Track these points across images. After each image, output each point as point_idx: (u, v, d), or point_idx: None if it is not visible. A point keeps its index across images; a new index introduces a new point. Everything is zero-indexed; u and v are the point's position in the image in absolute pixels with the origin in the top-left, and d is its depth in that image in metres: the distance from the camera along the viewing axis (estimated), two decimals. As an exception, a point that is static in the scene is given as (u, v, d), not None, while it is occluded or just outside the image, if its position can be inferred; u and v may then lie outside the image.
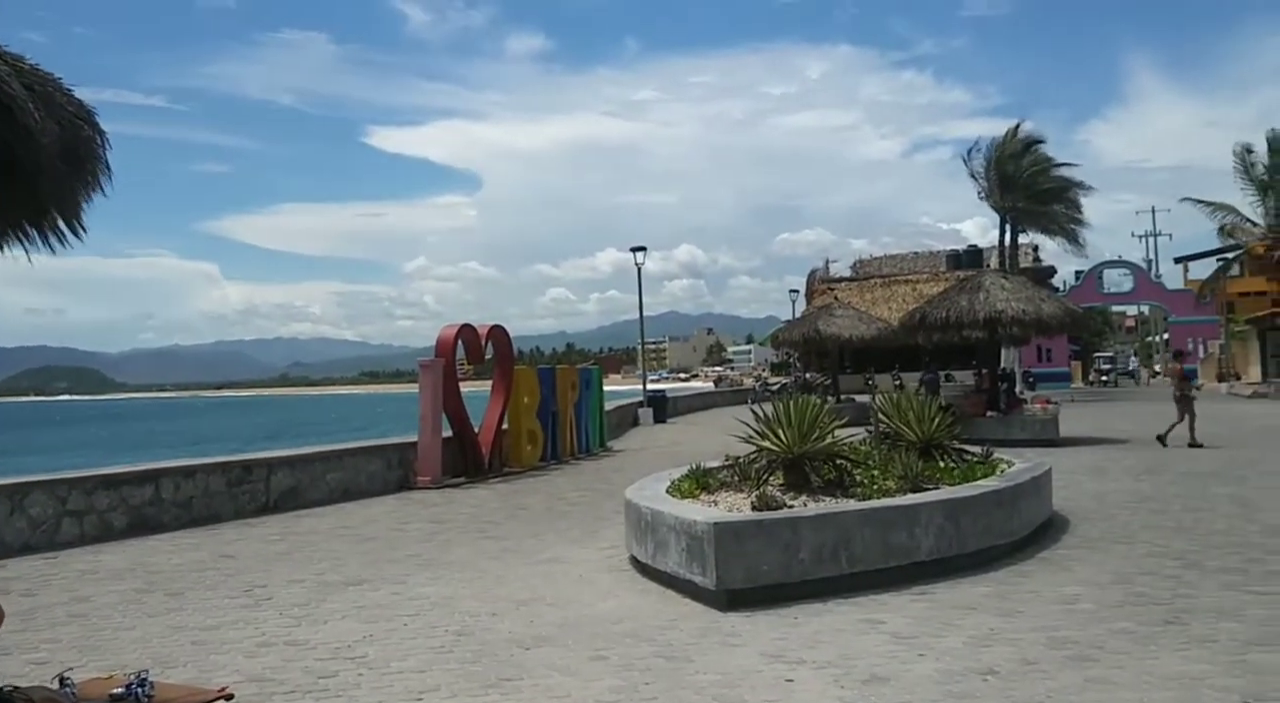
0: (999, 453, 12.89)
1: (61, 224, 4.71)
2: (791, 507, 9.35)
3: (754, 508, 9.25)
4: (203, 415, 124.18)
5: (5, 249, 4.78)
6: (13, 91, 3.80)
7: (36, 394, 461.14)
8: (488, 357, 21.70)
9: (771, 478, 10.56)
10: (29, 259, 4.84)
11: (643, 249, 40.80)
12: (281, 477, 15.79)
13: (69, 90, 4.41)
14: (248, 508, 15.00)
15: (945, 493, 9.97)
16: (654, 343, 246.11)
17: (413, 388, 20.81)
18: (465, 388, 20.23)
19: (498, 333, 21.63)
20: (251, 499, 15.16)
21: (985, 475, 11.26)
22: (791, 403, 10.96)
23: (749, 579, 8.41)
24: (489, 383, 21.89)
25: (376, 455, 18.00)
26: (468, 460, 19.51)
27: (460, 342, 20.27)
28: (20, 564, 11.29)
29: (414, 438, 18.83)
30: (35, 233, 4.70)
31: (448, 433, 19.16)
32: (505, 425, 20.91)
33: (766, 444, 10.76)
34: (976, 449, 12.97)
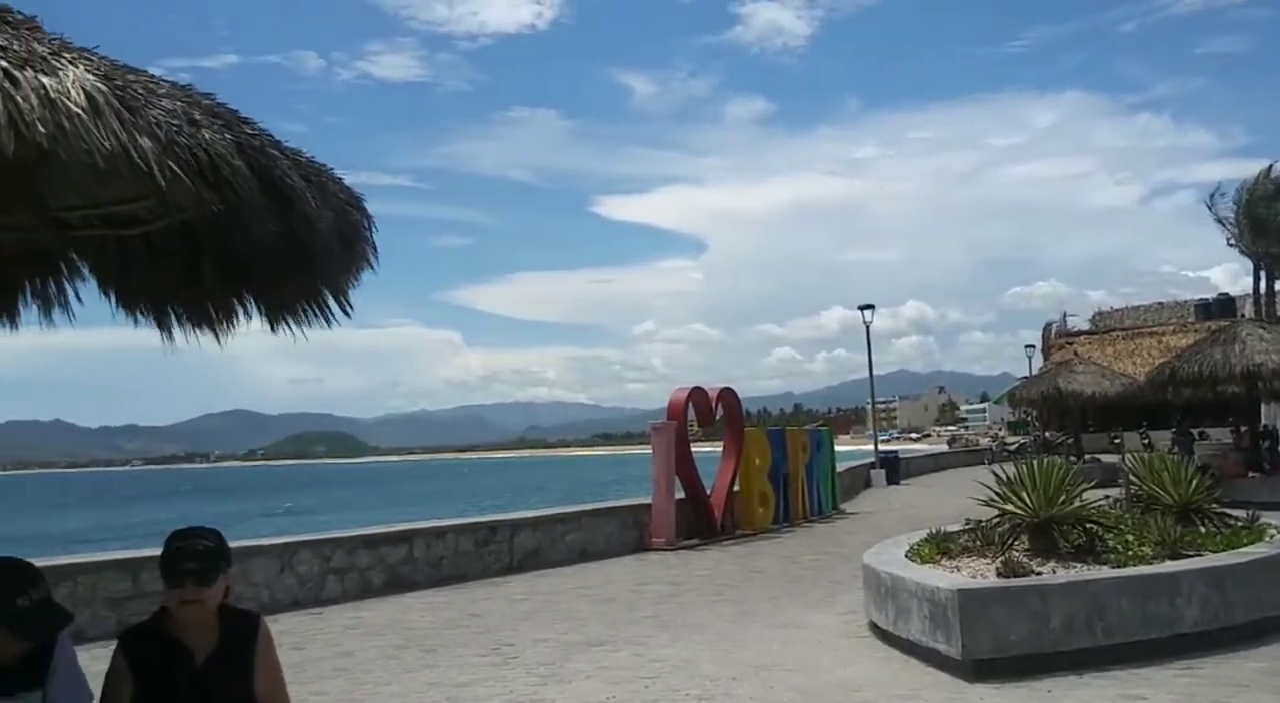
0: (1265, 517, 11.94)
1: (332, 303, 5.05)
2: (1039, 573, 8.92)
3: (999, 574, 8.87)
4: (452, 478, 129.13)
5: (283, 327, 5.15)
6: (294, 184, 4.08)
7: (299, 458, 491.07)
8: (717, 418, 21.76)
9: (1016, 543, 10.12)
10: (304, 336, 5.20)
11: (870, 307, 40.23)
12: (524, 537, 16.23)
13: (339, 179, 4.73)
14: (493, 567, 15.46)
15: (1209, 560, 9.30)
16: (884, 402, 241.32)
17: (645, 449, 21.05)
18: (695, 449, 20.32)
19: (727, 395, 21.66)
20: (497, 559, 15.62)
21: (1252, 542, 10.44)
22: (1034, 463, 10.50)
23: (997, 649, 8.04)
24: (719, 444, 21.92)
25: (613, 517, 18.26)
26: (700, 522, 19.53)
27: (691, 404, 20.40)
28: (290, 619, 11.96)
29: (648, 499, 19.00)
30: (310, 311, 5.04)
31: (680, 495, 19.25)
32: (737, 487, 20.83)
33: (1010, 507, 10.32)
34: (1240, 513, 12.05)
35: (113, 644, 3.65)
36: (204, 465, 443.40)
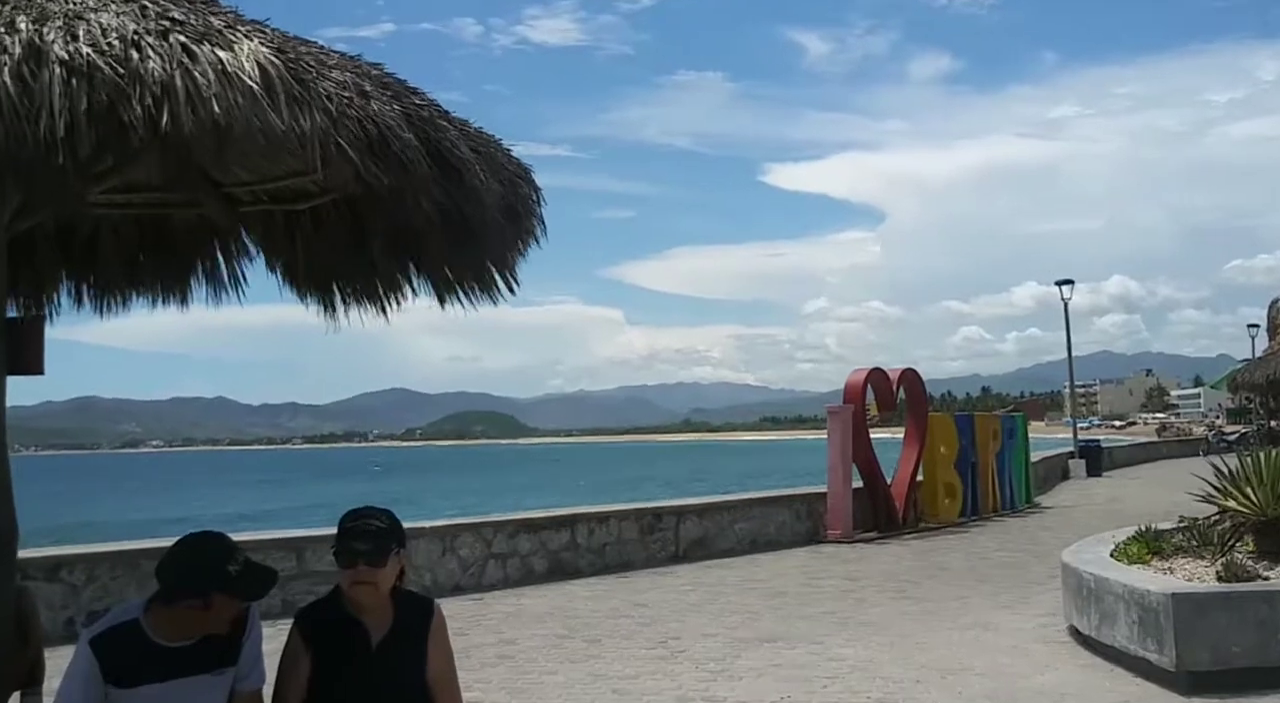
0: None
1: (498, 279, 5.17)
2: (1267, 578, 8.52)
3: (1219, 578, 8.50)
4: (614, 462, 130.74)
5: (449, 303, 5.30)
6: (463, 155, 4.18)
7: (457, 438, 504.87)
8: (899, 402, 21.46)
9: (1239, 544, 9.67)
10: (470, 313, 5.35)
11: (1069, 282, 38.98)
12: (690, 526, 16.33)
13: (508, 149, 4.83)
14: (658, 556, 15.61)
15: None
16: (1083, 387, 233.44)
17: (816, 434, 20.93)
18: (874, 435, 20.08)
19: (910, 377, 21.33)
20: (662, 547, 15.77)
21: None
22: (1260, 455, 10.01)
23: (1216, 661, 7.72)
24: (898, 430, 21.63)
25: (785, 506, 18.22)
26: (880, 514, 19.30)
27: (870, 387, 20.17)
28: (452, 604, 12.31)
29: (823, 488, 18.88)
30: (477, 287, 5.18)
31: (858, 483, 19.07)
32: (920, 477, 20.51)
33: (1232, 504, 9.86)
34: None
35: (277, 624, 3.85)
36: (362, 445, 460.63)
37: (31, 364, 4.39)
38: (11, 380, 4.19)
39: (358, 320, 5.68)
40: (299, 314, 5.62)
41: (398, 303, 5.57)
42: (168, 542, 3.96)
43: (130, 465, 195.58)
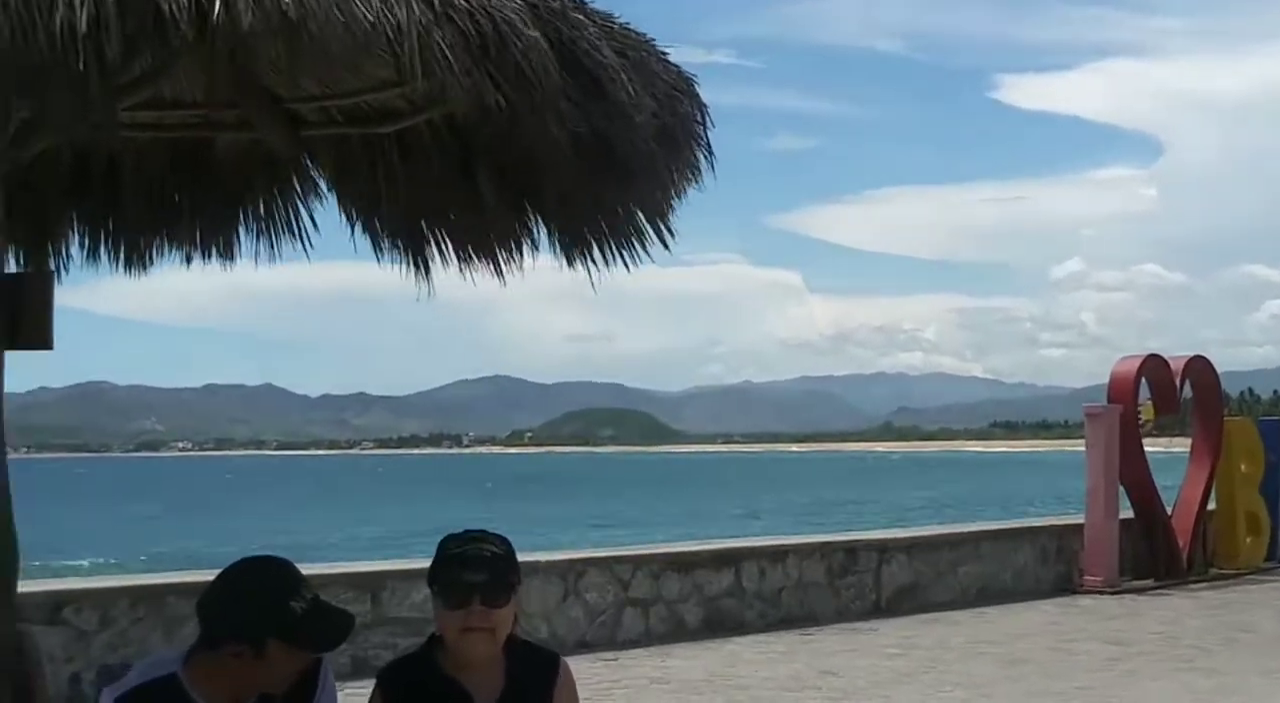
0: None
1: (649, 228, 5.13)
2: None
3: None
4: (792, 478, 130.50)
5: (582, 261, 5.28)
6: (605, 60, 4.16)
7: (579, 444, 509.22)
8: (1183, 401, 20.90)
9: None
10: (608, 273, 5.32)
11: None
12: (897, 568, 16.17)
13: (664, 53, 4.79)
14: (852, 607, 15.49)
15: None
16: None
17: (1067, 445, 20.54)
18: (1149, 447, 19.64)
19: (1198, 367, 20.73)
20: (857, 595, 15.65)
21: None
22: None
23: None
24: (1183, 442, 21.12)
25: (1025, 542, 17.95)
26: (1157, 555, 18.86)
27: (1144, 381, 19.68)
28: (575, 665, 12.39)
29: (1078, 519, 18.56)
30: (620, 239, 5.15)
31: (1126, 513, 18.68)
32: (1212, 505, 19.99)
33: None
34: None
35: (345, 688, 3.86)
36: (454, 451, 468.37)
37: (35, 335, 4.46)
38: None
39: (456, 283, 5.70)
40: (374, 275, 5.67)
41: (512, 260, 5.59)
42: (204, 575, 4.02)
43: (142, 473, 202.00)
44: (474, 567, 3.52)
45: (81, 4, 2.98)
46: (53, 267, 5.59)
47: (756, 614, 14.68)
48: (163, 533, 61.44)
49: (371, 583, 12.03)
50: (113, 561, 41.69)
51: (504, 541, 3.68)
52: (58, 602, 10.79)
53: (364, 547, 44.28)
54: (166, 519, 79.03)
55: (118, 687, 3.47)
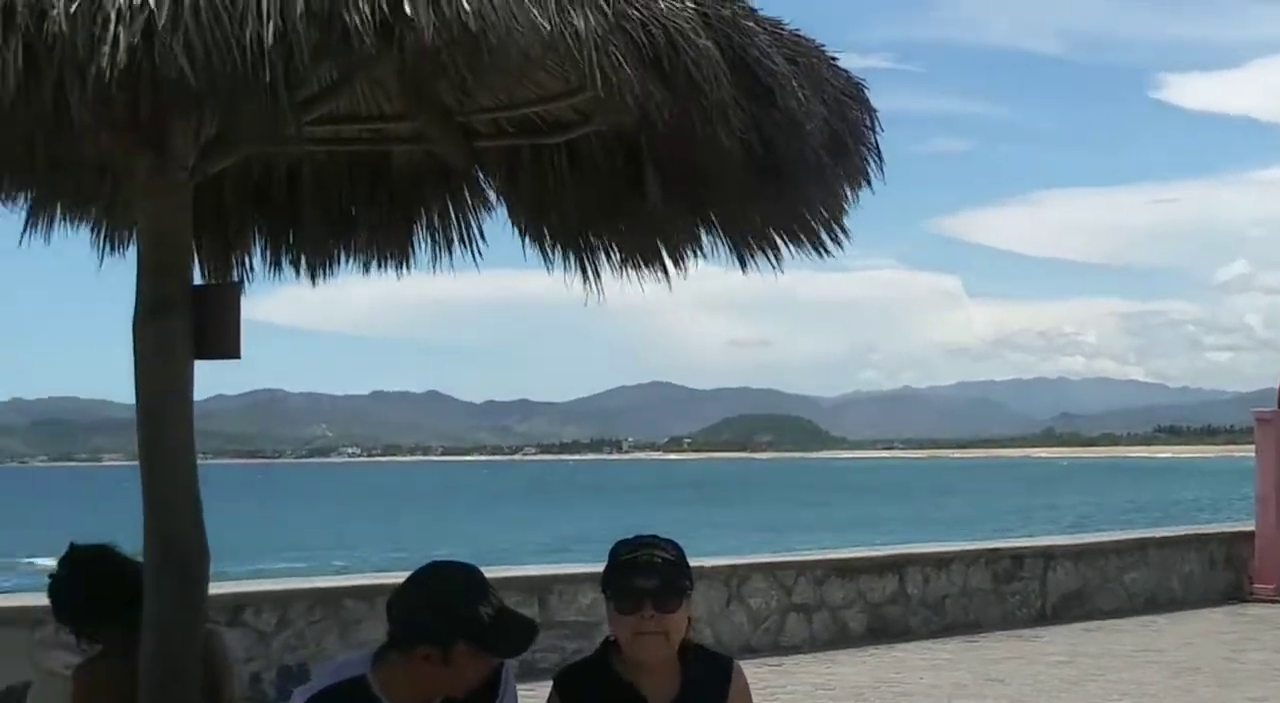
0: None
1: (820, 232, 5.12)
2: None
3: None
4: (952, 484, 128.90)
5: (753, 265, 5.28)
6: (775, 68, 4.15)
7: (737, 450, 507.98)
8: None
9: None
10: (774, 277, 5.31)
11: None
12: (1063, 574, 15.93)
13: (834, 58, 4.77)
14: (1018, 614, 15.30)
15: None
16: None
17: (1235, 451, 20.04)
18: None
19: (1381, 372, 20.11)
20: (1023, 603, 15.44)
21: None
22: None
23: None
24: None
25: (1193, 550, 17.60)
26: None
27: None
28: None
29: (1248, 526, 18.14)
30: (789, 243, 5.15)
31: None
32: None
33: None
34: None
35: (519, 691, 3.89)
36: (614, 457, 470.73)
37: (224, 345, 4.57)
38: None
39: (615, 290, 5.73)
40: (535, 284, 5.77)
41: (679, 266, 5.61)
42: (378, 580, 4.08)
43: (313, 479, 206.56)
44: (645, 572, 3.54)
45: (269, 18, 3.03)
46: (236, 278, 5.71)
47: (921, 621, 14.55)
48: (356, 537, 63.02)
49: (539, 587, 12.12)
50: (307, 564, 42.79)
51: (675, 546, 3.69)
52: (239, 603, 11.04)
53: (532, 551, 44.78)
54: (360, 521, 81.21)
55: (308, 688, 3.55)
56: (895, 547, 15.91)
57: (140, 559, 4.36)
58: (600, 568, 3.69)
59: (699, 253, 5.49)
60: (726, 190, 4.76)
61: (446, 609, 3.43)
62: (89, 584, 4.31)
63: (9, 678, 8.33)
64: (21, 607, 10.12)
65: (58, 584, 4.35)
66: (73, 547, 4.43)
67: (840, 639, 13.87)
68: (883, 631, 14.20)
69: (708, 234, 5.34)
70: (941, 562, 15.03)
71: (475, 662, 3.46)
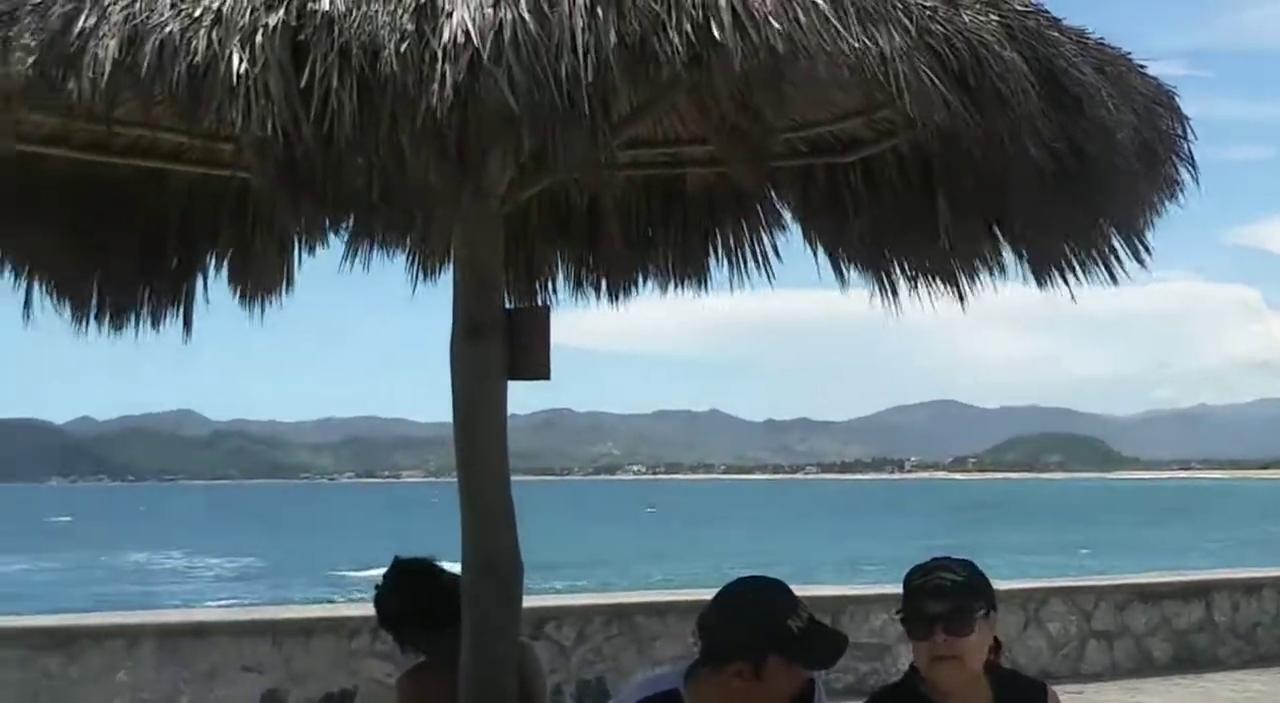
0: None
1: (1124, 247, 4.99)
2: None
3: None
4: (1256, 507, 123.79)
5: (1050, 283, 5.17)
6: (1083, 76, 4.06)
7: (1024, 470, 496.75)
8: None
9: None
10: (1072, 297, 5.18)
11: None
12: (1385, 602, 15.13)
13: (1141, 67, 4.64)
14: (1337, 646, 14.58)
15: None
16: None
17: None
18: None
19: None
20: (1341, 632, 14.72)
21: None
22: None
23: None
24: None
25: None
26: None
27: None
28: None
29: None
30: (1091, 258, 5.03)
31: None
32: None
33: None
34: None
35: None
36: (895, 477, 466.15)
37: (536, 367, 4.72)
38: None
39: (915, 308, 5.70)
40: (817, 303, 5.74)
41: (973, 283, 5.55)
42: (673, 595, 4.13)
43: (601, 495, 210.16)
44: (935, 597, 3.49)
45: (585, 50, 3.11)
46: (541, 301, 5.89)
47: (1231, 651, 13.98)
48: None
49: (831, 606, 12.08)
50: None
51: (967, 566, 3.64)
52: (540, 618, 11.31)
53: (824, 570, 44.68)
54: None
55: (623, 700, 3.61)
56: (1201, 572, 15.30)
57: (458, 572, 4.53)
58: (890, 590, 3.68)
59: (996, 271, 5.42)
60: (1030, 206, 4.66)
61: (758, 623, 3.44)
62: (413, 596, 4.51)
63: (327, 685, 8.71)
64: (338, 617, 10.58)
65: (384, 595, 4.57)
66: (397, 560, 4.64)
67: (1144, 668, 13.42)
68: (1190, 659, 13.71)
69: (1006, 252, 5.26)
70: (1252, 587, 14.42)
71: (787, 675, 3.47)
